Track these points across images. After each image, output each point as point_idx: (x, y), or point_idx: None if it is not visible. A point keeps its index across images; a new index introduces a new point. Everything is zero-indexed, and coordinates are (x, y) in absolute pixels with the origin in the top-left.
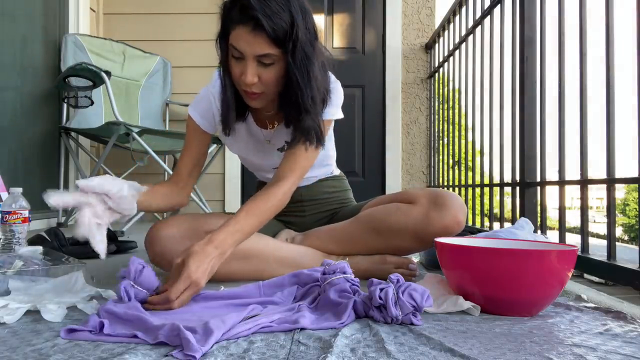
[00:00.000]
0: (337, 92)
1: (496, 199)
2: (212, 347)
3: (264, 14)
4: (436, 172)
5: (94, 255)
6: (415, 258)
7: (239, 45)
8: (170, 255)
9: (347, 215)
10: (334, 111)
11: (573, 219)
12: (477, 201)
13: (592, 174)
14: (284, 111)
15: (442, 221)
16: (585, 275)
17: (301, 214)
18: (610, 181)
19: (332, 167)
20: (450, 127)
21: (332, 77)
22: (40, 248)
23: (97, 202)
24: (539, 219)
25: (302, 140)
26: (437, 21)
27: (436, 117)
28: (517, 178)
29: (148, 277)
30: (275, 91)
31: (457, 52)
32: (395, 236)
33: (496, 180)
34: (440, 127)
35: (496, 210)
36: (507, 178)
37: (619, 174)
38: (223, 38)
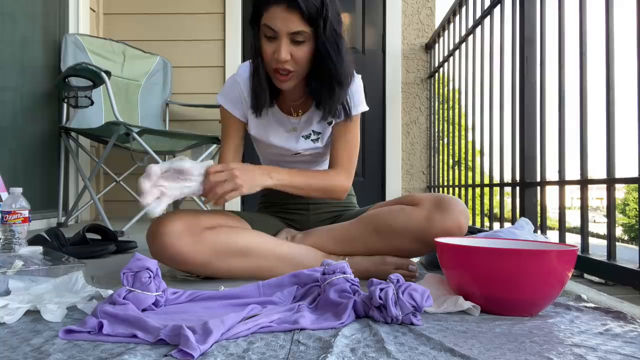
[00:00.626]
0: (360, 87)
1: (496, 199)
2: (211, 347)
3: None
4: (436, 172)
5: (94, 255)
6: (415, 259)
7: (274, 23)
8: (170, 249)
9: (349, 218)
10: (362, 106)
11: (573, 219)
12: (477, 201)
13: (592, 174)
14: (314, 91)
15: (444, 224)
16: (585, 275)
17: (305, 213)
18: (610, 181)
19: None
20: (450, 127)
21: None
22: (40, 248)
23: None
24: (539, 219)
25: (337, 115)
26: (437, 21)
27: (436, 117)
28: (517, 178)
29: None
30: (305, 70)
31: (457, 52)
32: (396, 237)
33: (496, 180)
34: (440, 127)
35: (496, 210)
36: (507, 178)
37: (619, 174)
38: (255, 22)
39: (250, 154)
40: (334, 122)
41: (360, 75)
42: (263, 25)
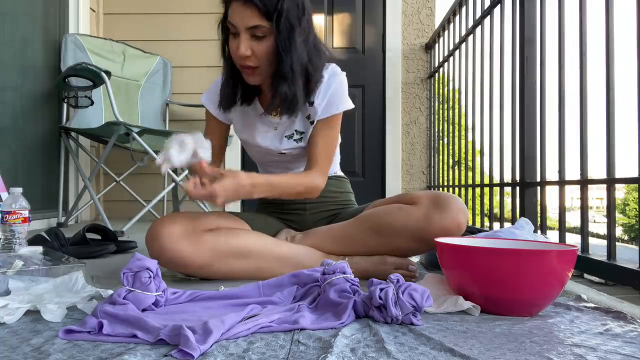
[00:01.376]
0: (343, 84)
1: (496, 199)
2: (211, 347)
3: None
4: (436, 172)
5: (94, 255)
6: (414, 259)
7: (233, 19)
8: (169, 252)
9: (348, 217)
10: (345, 104)
11: (573, 219)
12: (477, 201)
13: (592, 174)
14: (273, 87)
15: (442, 222)
16: (585, 275)
17: (302, 212)
18: (610, 181)
19: (336, 167)
20: (450, 127)
21: (337, 69)
22: (40, 248)
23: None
24: (539, 219)
25: (276, 108)
26: (437, 21)
27: (436, 117)
28: (517, 178)
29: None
30: (268, 66)
31: (457, 52)
32: (395, 236)
33: (496, 180)
34: (440, 127)
35: (496, 210)
36: (507, 178)
37: (619, 174)
38: (225, 19)
39: (251, 160)
40: (315, 121)
41: (344, 73)
42: (227, 22)
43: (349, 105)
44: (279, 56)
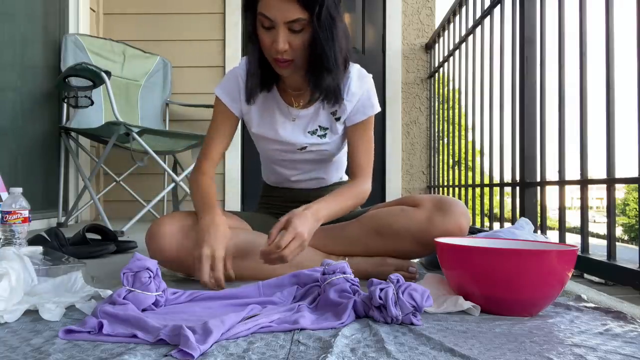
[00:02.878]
0: (373, 86)
1: (496, 199)
2: (211, 347)
3: None
4: (436, 172)
5: (93, 255)
6: (414, 260)
7: (270, 12)
8: (169, 252)
9: (349, 218)
10: (377, 106)
11: (573, 219)
12: (477, 201)
13: (592, 174)
14: (309, 75)
15: (445, 225)
16: (585, 275)
17: None
18: (610, 181)
19: (341, 173)
20: (450, 127)
21: (363, 70)
22: (40, 248)
23: None
24: (539, 219)
25: (321, 99)
26: (437, 21)
27: (436, 117)
28: (517, 178)
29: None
30: (304, 58)
31: (457, 52)
32: (396, 238)
33: (496, 180)
34: (440, 127)
35: (496, 210)
36: (507, 178)
37: (619, 174)
38: (250, 9)
39: (251, 152)
40: (346, 125)
41: (371, 75)
42: (259, 14)
43: (378, 108)
44: (320, 49)
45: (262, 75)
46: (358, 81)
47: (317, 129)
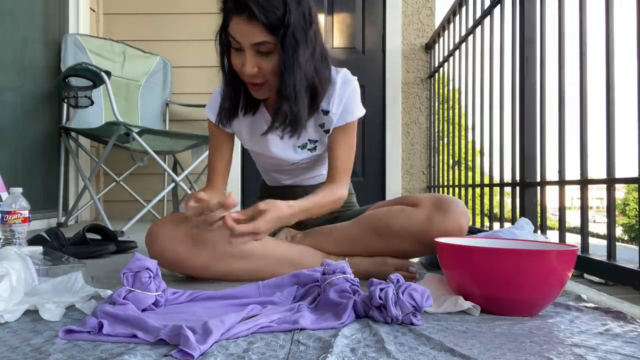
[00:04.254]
0: (357, 91)
1: (496, 199)
2: (211, 347)
3: (256, 2)
4: (436, 172)
5: (93, 255)
6: (414, 259)
7: (236, 35)
8: (169, 253)
9: (349, 218)
10: (360, 111)
11: (573, 219)
12: (477, 201)
13: (592, 174)
14: (277, 100)
15: (444, 225)
16: (585, 275)
17: None
18: (610, 181)
19: None
20: (450, 127)
21: (349, 74)
22: (40, 248)
23: None
24: (539, 219)
25: (277, 127)
26: (437, 21)
27: (436, 117)
28: (517, 178)
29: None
30: (277, 81)
31: (457, 52)
32: (396, 238)
33: (496, 180)
34: (440, 127)
35: (496, 210)
36: (507, 178)
37: (619, 174)
38: (223, 30)
39: (251, 161)
40: (330, 130)
41: (355, 78)
42: (230, 36)
43: (361, 112)
44: (281, 75)
45: (234, 98)
46: (341, 88)
47: (306, 143)
